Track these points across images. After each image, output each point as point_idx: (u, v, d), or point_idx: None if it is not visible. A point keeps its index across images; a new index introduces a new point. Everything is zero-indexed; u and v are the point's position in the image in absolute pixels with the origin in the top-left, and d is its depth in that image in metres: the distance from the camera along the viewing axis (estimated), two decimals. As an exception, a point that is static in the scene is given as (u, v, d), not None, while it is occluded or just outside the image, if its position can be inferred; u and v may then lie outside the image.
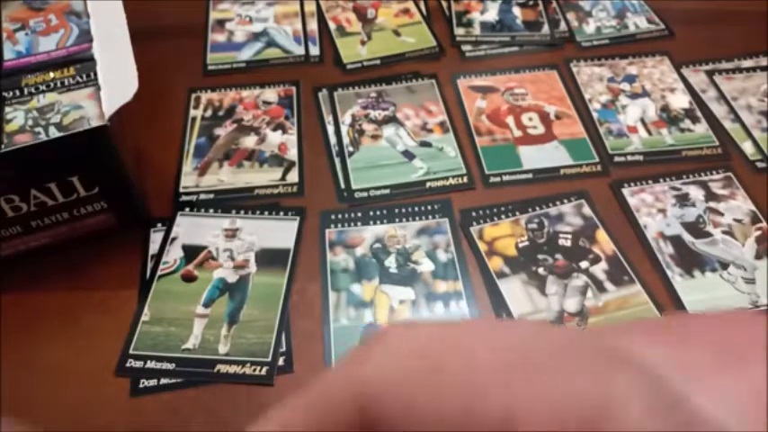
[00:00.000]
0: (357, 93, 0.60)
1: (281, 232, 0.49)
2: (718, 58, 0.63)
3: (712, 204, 0.50)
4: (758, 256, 0.47)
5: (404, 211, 0.50)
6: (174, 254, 0.48)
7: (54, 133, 0.41)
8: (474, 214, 0.50)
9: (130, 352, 0.42)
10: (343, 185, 0.53)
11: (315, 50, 0.65)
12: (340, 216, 0.50)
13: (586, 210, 0.50)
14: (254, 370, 0.41)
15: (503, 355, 0.13)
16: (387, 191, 0.52)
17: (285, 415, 0.15)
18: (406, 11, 0.69)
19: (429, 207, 0.50)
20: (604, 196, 0.51)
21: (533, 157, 0.54)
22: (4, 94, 0.44)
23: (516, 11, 0.69)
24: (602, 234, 0.49)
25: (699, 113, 0.58)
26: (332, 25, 0.68)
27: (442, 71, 0.62)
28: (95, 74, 0.44)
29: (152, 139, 0.55)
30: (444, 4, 0.70)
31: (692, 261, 0.47)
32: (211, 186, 0.53)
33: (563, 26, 0.67)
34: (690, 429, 0.10)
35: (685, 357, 0.11)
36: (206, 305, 0.45)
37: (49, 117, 0.42)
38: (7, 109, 0.43)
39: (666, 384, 0.11)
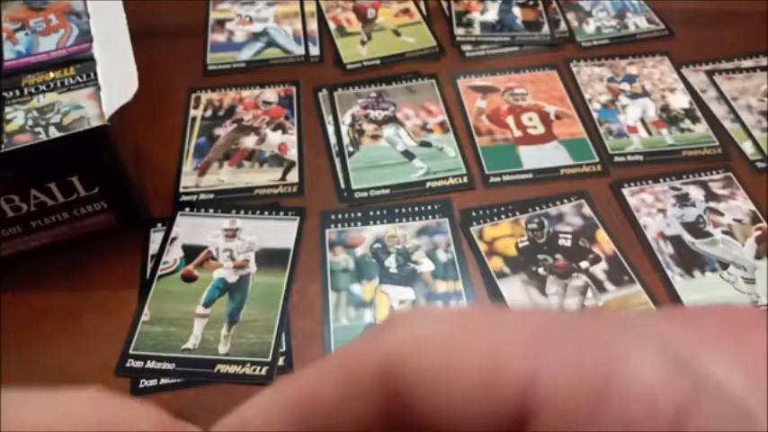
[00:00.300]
0: (357, 93, 0.60)
1: (281, 232, 0.49)
2: (718, 58, 0.63)
3: (712, 204, 0.50)
4: (758, 256, 0.47)
5: (404, 211, 0.50)
6: (174, 254, 0.48)
7: (54, 133, 0.41)
8: (474, 214, 0.50)
9: (130, 352, 0.42)
10: (343, 185, 0.53)
11: (315, 50, 0.65)
12: (340, 216, 0.50)
13: (586, 210, 0.50)
14: (254, 370, 0.41)
15: (525, 329, 0.13)
16: (387, 191, 0.52)
17: (303, 381, 0.14)
18: (406, 11, 0.69)
19: (429, 207, 0.50)
20: (604, 196, 0.51)
21: (533, 157, 0.54)
22: (4, 94, 0.44)
23: (516, 11, 0.69)
24: (602, 234, 0.49)
25: (699, 113, 0.58)
26: (332, 25, 0.68)
27: (441, 71, 0.62)
28: (95, 74, 0.44)
29: (152, 139, 0.55)
30: (444, 4, 0.70)
31: (692, 261, 0.47)
32: (211, 186, 0.53)
33: (563, 26, 0.67)
34: (701, 390, 0.11)
35: (696, 330, 0.12)
36: (206, 305, 0.45)
37: (49, 117, 0.42)
38: (7, 109, 0.43)
39: (679, 350, 0.11)
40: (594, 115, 0.58)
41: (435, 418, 0.13)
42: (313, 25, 0.68)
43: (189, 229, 0.49)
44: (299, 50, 0.65)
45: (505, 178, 0.53)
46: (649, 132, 0.57)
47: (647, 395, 0.11)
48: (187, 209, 0.51)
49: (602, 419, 0.11)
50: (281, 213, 0.50)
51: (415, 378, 0.13)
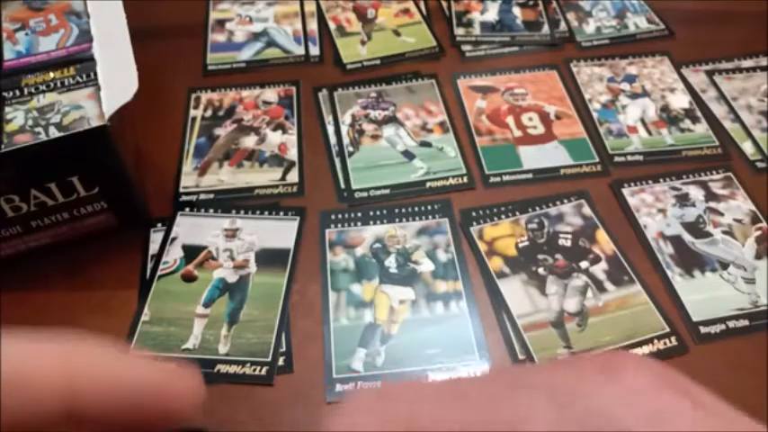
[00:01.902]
0: (357, 93, 0.60)
1: (281, 232, 0.49)
2: (718, 58, 0.63)
3: (712, 204, 0.50)
4: (758, 256, 0.47)
5: (404, 211, 0.50)
6: (174, 254, 0.48)
7: (54, 133, 0.41)
8: (474, 214, 0.50)
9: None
10: (343, 185, 0.53)
11: (315, 50, 0.65)
12: (340, 216, 0.50)
13: (586, 210, 0.50)
14: (254, 370, 0.41)
15: (440, 398, 0.15)
16: (387, 191, 0.52)
17: None
18: (406, 11, 0.69)
19: (429, 207, 0.50)
20: (604, 196, 0.51)
21: (533, 157, 0.54)
22: (4, 94, 0.44)
23: (516, 11, 0.69)
24: (602, 234, 0.49)
25: (699, 113, 0.58)
26: (332, 25, 0.68)
27: (441, 71, 0.62)
28: (95, 74, 0.44)
29: (152, 139, 0.55)
30: (444, 4, 0.70)
31: (692, 261, 0.47)
32: (211, 186, 0.53)
33: (563, 26, 0.67)
34: (587, 423, 0.13)
35: (575, 371, 0.15)
36: (206, 305, 0.45)
37: (49, 117, 0.42)
38: (7, 109, 0.43)
39: (564, 394, 0.14)
40: (594, 115, 0.58)
41: None
42: (313, 25, 0.68)
43: (189, 229, 0.49)
44: (299, 50, 0.65)
45: (505, 178, 0.53)
46: (649, 132, 0.57)
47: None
48: (187, 209, 0.51)
49: None
50: (281, 213, 0.50)
51: None
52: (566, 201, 0.51)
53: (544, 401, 0.14)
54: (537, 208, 0.50)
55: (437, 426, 0.14)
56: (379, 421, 0.15)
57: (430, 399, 0.15)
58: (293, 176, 0.53)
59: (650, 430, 0.13)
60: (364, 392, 0.16)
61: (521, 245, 0.48)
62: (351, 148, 0.55)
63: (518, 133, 0.57)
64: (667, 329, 0.43)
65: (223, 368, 0.42)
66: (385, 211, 0.50)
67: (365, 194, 0.52)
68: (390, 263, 0.47)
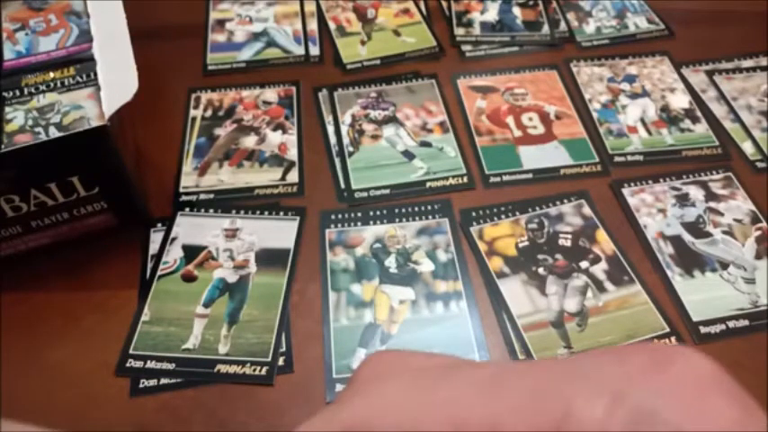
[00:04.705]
0: (357, 93, 0.60)
1: (281, 232, 0.49)
2: (718, 58, 0.63)
3: (712, 204, 0.50)
4: (758, 256, 0.47)
5: (404, 211, 0.50)
6: (174, 254, 0.48)
7: (54, 133, 0.41)
8: (474, 214, 0.50)
9: (130, 352, 0.42)
10: (343, 185, 0.53)
11: (315, 50, 0.65)
12: (340, 216, 0.50)
13: (586, 210, 0.50)
14: (254, 370, 0.41)
15: (479, 382, 0.15)
16: (387, 191, 0.52)
17: None
18: (406, 11, 0.69)
19: (429, 207, 0.50)
20: (604, 196, 0.51)
21: (533, 157, 0.54)
22: (4, 94, 0.44)
23: (516, 11, 0.69)
24: (602, 234, 0.49)
25: (699, 113, 0.58)
26: (332, 25, 0.68)
27: (441, 71, 0.62)
28: (95, 74, 0.44)
29: (152, 139, 0.55)
30: (444, 4, 0.70)
31: (692, 261, 0.47)
32: (211, 186, 0.53)
33: (563, 26, 0.67)
34: (639, 418, 0.12)
35: (625, 366, 0.14)
36: (206, 305, 0.45)
37: (49, 117, 0.42)
38: (7, 109, 0.43)
39: (614, 387, 0.13)
40: (594, 115, 0.58)
41: None
42: (313, 25, 0.68)
43: (189, 229, 0.49)
44: (299, 50, 0.65)
45: (505, 178, 0.53)
46: (649, 132, 0.57)
47: (595, 429, 0.12)
48: (187, 209, 0.51)
49: None
50: (281, 213, 0.50)
51: None
52: (566, 201, 0.51)
53: (590, 395, 0.13)
54: (537, 208, 0.50)
55: (477, 417, 0.13)
56: (416, 404, 0.14)
57: (468, 385, 0.14)
58: (293, 176, 0.53)
59: (694, 429, 0.12)
60: (390, 375, 0.15)
61: (521, 245, 0.48)
62: (351, 148, 0.55)
63: (518, 133, 0.57)
64: (667, 329, 0.43)
65: (223, 368, 0.42)
66: (385, 211, 0.50)
67: (365, 194, 0.52)
68: (390, 263, 0.47)
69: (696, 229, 0.49)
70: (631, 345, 0.15)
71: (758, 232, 0.48)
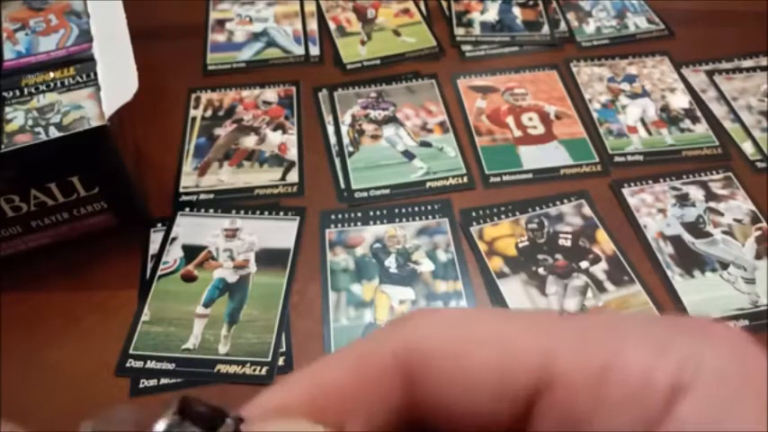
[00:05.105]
0: (357, 93, 0.60)
1: (281, 232, 0.49)
2: (718, 58, 0.63)
3: (712, 204, 0.50)
4: (758, 256, 0.47)
5: (404, 211, 0.50)
6: (174, 254, 0.48)
7: (54, 133, 0.41)
8: (474, 214, 0.50)
9: (130, 352, 0.42)
10: (343, 185, 0.53)
11: (315, 50, 0.65)
12: (340, 216, 0.50)
13: (586, 210, 0.50)
14: (254, 370, 0.41)
15: (531, 321, 0.14)
16: (387, 191, 0.52)
17: (320, 371, 0.14)
18: (406, 11, 0.69)
19: (429, 207, 0.50)
20: (604, 196, 0.51)
21: (533, 157, 0.54)
22: (4, 94, 0.44)
23: (516, 11, 0.69)
24: (602, 234, 0.49)
25: (699, 113, 0.58)
26: (332, 25, 0.68)
27: (441, 71, 0.62)
28: (95, 74, 0.44)
29: (152, 139, 0.55)
30: (444, 4, 0.70)
31: (692, 261, 0.47)
32: (211, 186, 0.53)
33: (563, 26, 0.67)
34: (685, 364, 0.12)
35: (671, 327, 0.14)
36: (206, 305, 0.45)
37: (49, 117, 0.42)
38: (7, 109, 0.43)
39: (662, 337, 0.13)
40: (594, 115, 0.58)
41: (451, 406, 0.13)
42: (313, 25, 0.68)
43: (189, 229, 0.49)
44: (299, 50, 0.65)
45: (505, 178, 0.53)
46: (649, 132, 0.57)
47: (643, 373, 0.12)
48: (187, 209, 0.51)
49: (607, 394, 0.12)
50: (281, 213, 0.50)
51: (430, 366, 0.14)
52: (566, 201, 0.51)
53: (637, 344, 0.13)
54: (537, 208, 0.50)
55: (529, 347, 0.13)
56: (456, 336, 0.14)
57: (515, 322, 0.14)
58: (293, 176, 0.53)
59: (737, 375, 0.12)
60: (444, 311, 0.15)
61: (521, 245, 0.48)
62: (351, 148, 0.55)
63: (518, 133, 0.57)
64: (667, 329, 0.43)
65: (223, 368, 0.42)
66: (385, 211, 0.50)
67: (365, 194, 0.52)
68: (390, 263, 0.47)
69: (696, 229, 0.49)
70: (670, 317, 0.15)
71: (758, 232, 0.48)
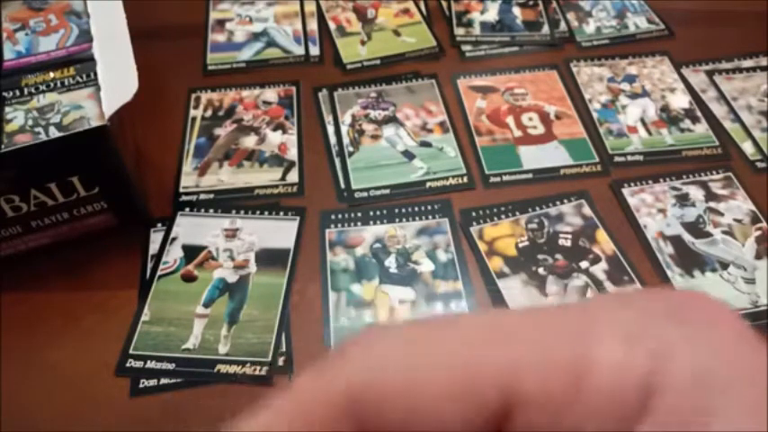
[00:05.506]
0: (357, 93, 0.60)
1: (281, 232, 0.49)
2: (718, 58, 0.63)
3: (712, 204, 0.50)
4: (758, 256, 0.47)
5: (404, 211, 0.50)
6: (174, 254, 0.48)
7: (54, 133, 0.41)
8: (474, 214, 0.50)
9: (130, 352, 0.42)
10: (343, 185, 0.53)
11: (315, 50, 0.65)
12: (340, 216, 0.50)
13: (586, 210, 0.50)
14: (255, 370, 0.41)
15: (488, 328, 0.13)
16: (387, 191, 0.52)
17: (268, 427, 0.13)
18: (406, 11, 0.69)
19: (429, 207, 0.50)
20: (604, 196, 0.51)
21: (533, 157, 0.54)
22: (4, 94, 0.44)
23: (516, 11, 0.69)
24: (602, 234, 0.49)
25: (699, 113, 0.58)
26: (332, 25, 0.68)
27: (442, 71, 0.62)
28: (95, 74, 0.44)
29: (152, 139, 0.55)
30: (444, 4, 0.70)
31: (692, 261, 0.47)
32: (211, 186, 0.53)
33: (563, 26, 0.67)
34: (657, 357, 0.12)
35: (643, 311, 0.13)
36: (206, 305, 0.45)
37: (49, 117, 0.42)
38: (7, 109, 0.43)
39: (632, 329, 0.12)
40: (594, 115, 0.58)
41: None
42: (313, 25, 0.68)
43: (189, 229, 0.49)
44: (299, 50, 0.65)
45: (505, 178, 0.53)
46: (649, 132, 0.57)
47: (616, 372, 0.12)
48: (187, 209, 0.51)
49: (579, 403, 0.12)
50: (281, 213, 0.50)
51: (383, 402, 0.13)
52: (566, 201, 0.51)
53: (606, 338, 0.12)
54: (537, 208, 0.50)
55: (493, 364, 0.12)
56: (408, 364, 0.13)
57: (474, 331, 0.13)
58: (293, 176, 0.53)
59: (711, 363, 0.12)
60: (389, 330, 0.14)
61: (521, 245, 0.48)
62: (351, 148, 0.55)
63: (518, 133, 0.57)
64: (667, 329, 0.43)
65: (223, 368, 0.42)
66: (385, 211, 0.50)
67: (365, 194, 0.52)
68: (390, 263, 0.47)
69: (696, 229, 0.49)
70: (644, 291, 0.15)
71: (758, 232, 0.48)
